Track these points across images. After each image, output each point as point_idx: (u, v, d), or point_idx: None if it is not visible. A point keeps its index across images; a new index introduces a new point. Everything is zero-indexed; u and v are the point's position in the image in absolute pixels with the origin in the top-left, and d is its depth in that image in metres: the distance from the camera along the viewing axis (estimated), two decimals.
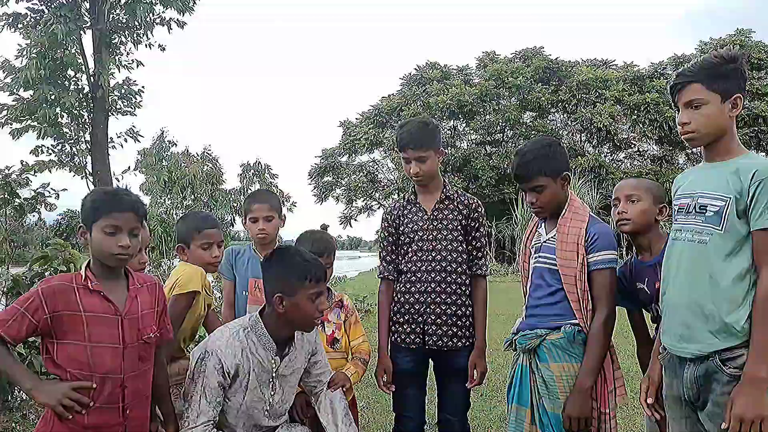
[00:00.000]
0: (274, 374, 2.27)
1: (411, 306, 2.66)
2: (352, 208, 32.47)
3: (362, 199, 31.86)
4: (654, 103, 25.70)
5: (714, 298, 1.85)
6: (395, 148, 2.83)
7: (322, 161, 31.75)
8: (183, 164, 14.86)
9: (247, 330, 2.23)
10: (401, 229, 2.72)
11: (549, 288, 2.33)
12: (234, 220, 30.02)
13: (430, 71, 30.50)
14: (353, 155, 31.24)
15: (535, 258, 2.41)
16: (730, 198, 1.85)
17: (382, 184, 30.73)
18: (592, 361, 2.22)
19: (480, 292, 2.69)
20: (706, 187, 1.94)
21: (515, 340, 2.38)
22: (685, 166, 25.93)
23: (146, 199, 11.93)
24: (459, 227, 2.68)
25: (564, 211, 2.36)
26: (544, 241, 2.40)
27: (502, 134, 29.62)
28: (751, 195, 1.81)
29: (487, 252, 2.77)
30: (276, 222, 2.91)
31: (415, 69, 31.24)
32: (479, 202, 2.76)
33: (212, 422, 2.16)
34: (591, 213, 2.36)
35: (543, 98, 27.94)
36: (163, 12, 10.34)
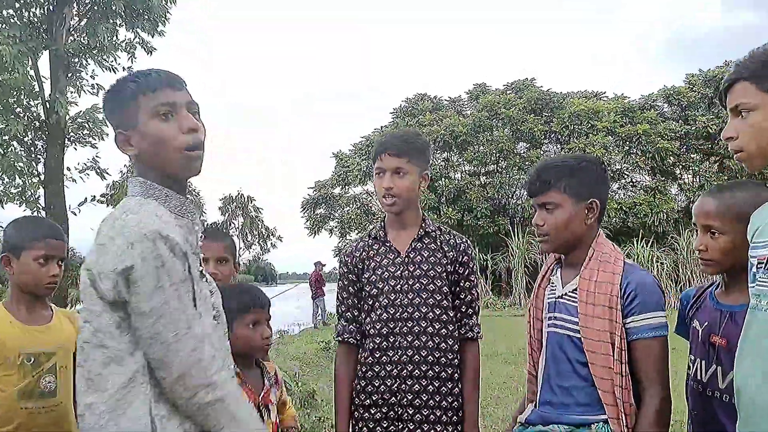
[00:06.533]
0: (199, 250, 1.46)
1: (381, 381, 1.98)
2: (347, 241, 31.96)
3: (356, 231, 31.40)
4: (645, 134, 25.63)
5: None
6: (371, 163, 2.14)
7: (315, 193, 31.48)
8: None
9: (147, 197, 1.38)
10: (365, 276, 2.04)
11: (571, 364, 1.71)
12: None
13: (421, 103, 30.45)
14: (346, 187, 30.95)
15: (550, 319, 1.79)
16: None
17: (377, 216, 30.37)
18: None
19: (470, 361, 2.03)
20: None
21: None
22: (677, 197, 25.48)
23: None
24: (444, 274, 2.02)
25: (589, 257, 1.74)
26: (561, 296, 1.78)
27: (495, 165, 29.36)
28: None
29: (479, 308, 2.11)
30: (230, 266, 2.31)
31: (404, 101, 31.21)
32: (468, 242, 2.13)
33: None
34: (626, 259, 1.74)
35: (536, 129, 27.80)
36: (133, 36, 9.82)
